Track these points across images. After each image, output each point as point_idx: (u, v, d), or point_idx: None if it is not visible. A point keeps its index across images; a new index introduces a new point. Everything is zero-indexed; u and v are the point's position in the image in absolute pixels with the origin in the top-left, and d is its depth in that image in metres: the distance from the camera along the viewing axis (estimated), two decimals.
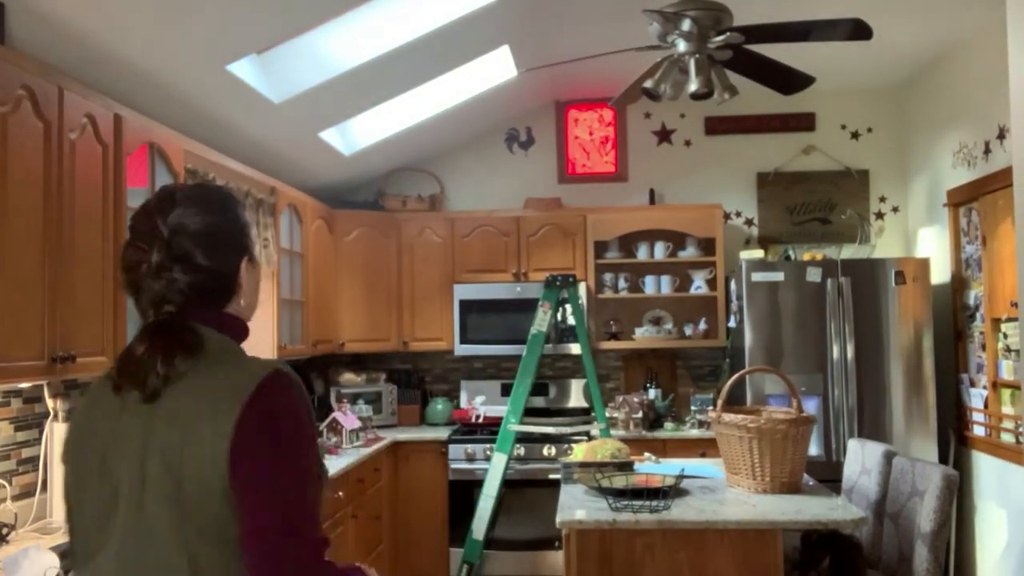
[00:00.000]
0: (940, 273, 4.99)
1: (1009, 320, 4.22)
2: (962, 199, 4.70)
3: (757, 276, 4.81)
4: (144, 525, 1.26)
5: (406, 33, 3.78)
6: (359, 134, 4.96)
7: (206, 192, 1.45)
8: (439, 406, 5.49)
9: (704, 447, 4.86)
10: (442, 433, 5.13)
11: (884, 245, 5.58)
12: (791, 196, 5.62)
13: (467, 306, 5.35)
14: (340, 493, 3.96)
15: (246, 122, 3.91)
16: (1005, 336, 4.28)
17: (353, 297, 5.35)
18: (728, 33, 3.12)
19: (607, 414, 5.02)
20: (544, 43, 4.51)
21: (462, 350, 5.38)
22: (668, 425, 5.16)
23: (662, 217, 5.36)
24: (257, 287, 1.52)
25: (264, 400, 1.29)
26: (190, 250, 1.37)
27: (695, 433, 5.00)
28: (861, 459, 3.71)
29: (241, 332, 1.44)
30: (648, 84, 3.33)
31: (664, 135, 5.75)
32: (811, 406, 4.67)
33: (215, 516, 1.24)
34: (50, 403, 2.94)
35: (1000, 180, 4.17)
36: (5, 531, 2.59)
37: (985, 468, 4.50)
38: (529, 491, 4.92)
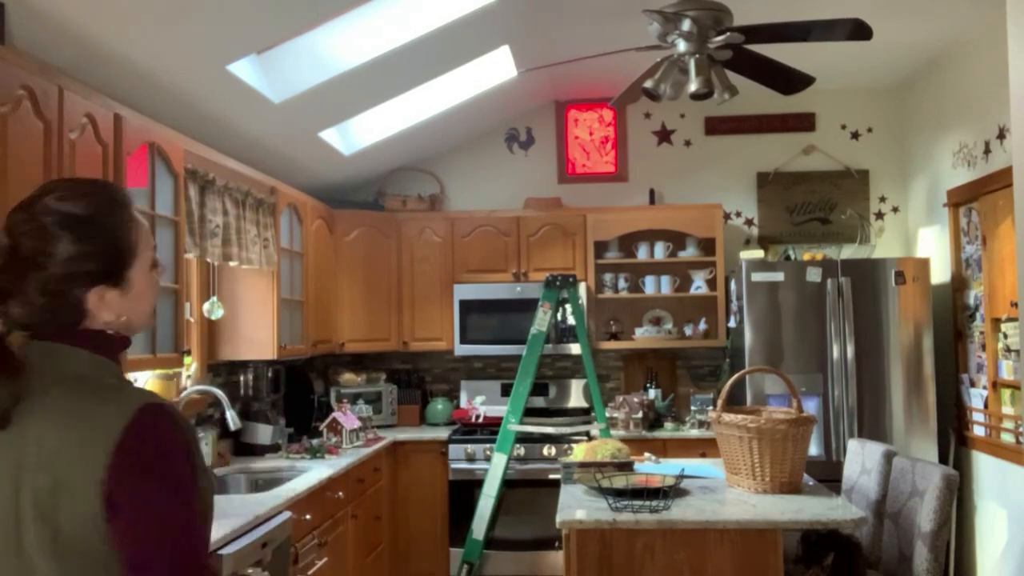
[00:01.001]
0: (940, 273, 4.99)
1: (1009, 320, 4.22)
2: (962, 199, 4.70)
3: (757, 276, 4.81)
4: (26, 572, 1.14)
5: (406, 33, 3.77)
6: (359, 134, 4.96)
7: (75, 206, 1.25)
8: (439, 406, 5.49)
9: (704, 447, 4.86)
10: (442, 433, 5.13)
11: (884, 245, 5.57)
12: (791, 196, 5.61)
13: (467, 306, 5.35)
14: (340, 493, 3.96)
15: (246, 122, 3.91)
16: (1005, 336, 4.28)
17: (353, 297, 5.35)
18: (728, 33, 3.12)
19: (607, 414, 5.02)
20: (544, 43, 4.51)
21: (462, 350, 5.38)
22: (668, 425, 5.16)
23: (662, 217, 5.36)
24: (146, 293, 1.32)
25: (137, 440, 1.15)
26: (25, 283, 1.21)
27: (695, 433, 5.00)
28: (861, 459, 3.71)
29: (111, 346, 1.28)
30: (648, 84, 3.33)
31: (664, 135, 5.74)
32: (811, 406, 4.67)
33: (97, 564, 1.14)
34: None
35: (1000, 180, 4.17)
36: None
37: (985, 468, 4.50)
38: (529, 491, 4.92)
